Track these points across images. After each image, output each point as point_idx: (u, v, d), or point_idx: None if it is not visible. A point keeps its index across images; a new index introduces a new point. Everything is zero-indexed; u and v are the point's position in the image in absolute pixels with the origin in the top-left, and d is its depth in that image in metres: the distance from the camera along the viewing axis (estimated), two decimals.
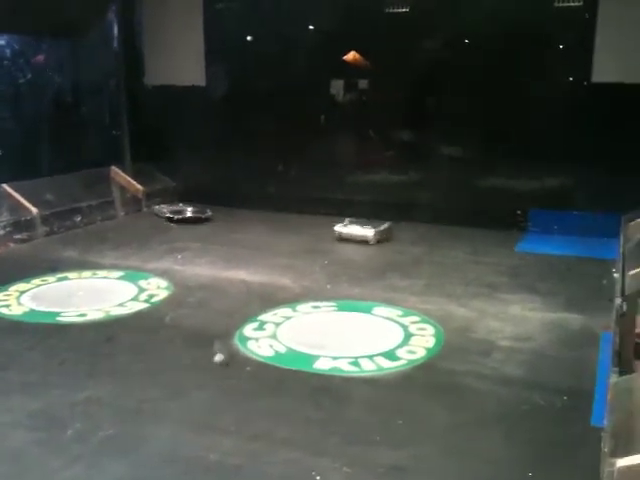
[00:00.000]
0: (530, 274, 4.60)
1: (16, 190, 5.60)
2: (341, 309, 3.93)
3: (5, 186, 5.58)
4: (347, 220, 5.56)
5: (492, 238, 5.58)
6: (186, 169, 7.08)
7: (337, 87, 6.42)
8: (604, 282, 4.32)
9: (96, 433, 2.55)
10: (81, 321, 3.73)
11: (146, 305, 3.99)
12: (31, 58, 6.10)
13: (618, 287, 3.76)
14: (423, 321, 3.73)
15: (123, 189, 6.57)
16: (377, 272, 4.67)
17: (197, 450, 2.46)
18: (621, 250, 4.24)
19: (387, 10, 6.03)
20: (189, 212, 6.19)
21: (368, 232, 5.38)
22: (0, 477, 2.31)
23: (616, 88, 5.36)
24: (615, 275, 4.30)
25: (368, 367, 3.14)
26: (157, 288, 4.28)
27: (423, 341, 3.44)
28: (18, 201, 5.55)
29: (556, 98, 5.64)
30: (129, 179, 6.64)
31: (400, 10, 6.01)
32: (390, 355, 3.27)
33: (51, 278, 4.47)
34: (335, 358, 3.22)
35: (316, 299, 4.06)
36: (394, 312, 3.86)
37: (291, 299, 4.07)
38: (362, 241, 5.38)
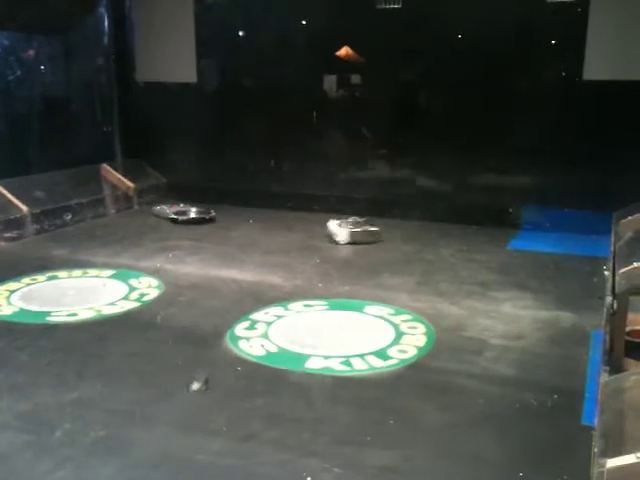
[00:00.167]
0: (522, 272, 4.61)
1: (5, 188, 5.56)
2: (333, 308, 3.93)
3: None
4: (337, 220, 5.48)
5: (484, 236, 5.59)
6: (177, 166, 7.06)
7: (330, 83, 6.40)
8: (595, 280, 4.34)
9: (86, 434, 2.53)
10: (72, 321, 3.71)
11: (137, 304, 3.97)
12: (20, 54, 6.05)
13: (609, 285, 3.77)
14: (414, 319, 3.73)
15: (114, 187, 6.53)
16: (369, 270, 4.67)
17: (188, 451, 2.45)
18: (612, 248, 4.25)
19: (378, 7, 6.01)
20: (193, 213, 6.12)
21: (342, 232, 5.28)
22: None
23: (608, 85, 5.37)
24: (606, 273, 4.31)
25: (360, 366, 3.14)
26: (148, 287, 4.26)
27: (414, 340, 3.45)
28: (8, 199, 5.51)
29: (547, 95, 5.66)
30: (120, 177, 6.60)
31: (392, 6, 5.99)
32: (381, 354, 3.27)
33: (41, 277, 4.44)
34: (327, 357, 3.22)
35: (308, 298, 4.06)
36: (385, 310, 3.85)
37: (283, 298, 4.07)
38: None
